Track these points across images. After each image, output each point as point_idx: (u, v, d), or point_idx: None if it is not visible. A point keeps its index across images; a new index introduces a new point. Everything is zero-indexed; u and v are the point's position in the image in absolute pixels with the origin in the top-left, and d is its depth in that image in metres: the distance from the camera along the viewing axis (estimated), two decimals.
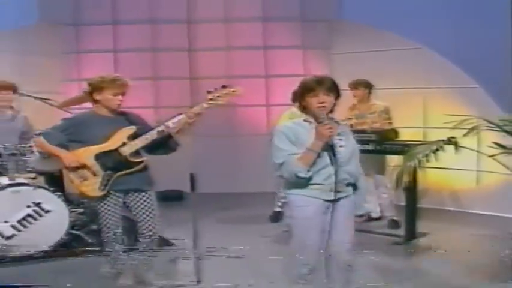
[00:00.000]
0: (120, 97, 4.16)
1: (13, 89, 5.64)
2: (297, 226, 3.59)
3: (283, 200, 6.41)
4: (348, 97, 6.27)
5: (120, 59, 8.17)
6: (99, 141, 4.15)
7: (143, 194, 4.27)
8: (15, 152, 5.27)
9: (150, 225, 4.30)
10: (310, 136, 3.44)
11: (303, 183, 3.49)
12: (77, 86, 7.78)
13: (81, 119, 4.28)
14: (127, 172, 4.17)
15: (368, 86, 6.33)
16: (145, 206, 4.28)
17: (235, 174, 8.09)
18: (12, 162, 5.25)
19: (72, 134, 4.17)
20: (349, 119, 6.32)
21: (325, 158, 3.43)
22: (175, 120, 4.13)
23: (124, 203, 4.30)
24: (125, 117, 4.27)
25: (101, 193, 4.17)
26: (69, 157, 4.13)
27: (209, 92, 4.17)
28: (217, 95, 4.16)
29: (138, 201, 4.28)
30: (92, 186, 4.16)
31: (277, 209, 6.57)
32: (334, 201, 3.50)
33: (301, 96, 3.54)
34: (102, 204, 4.22)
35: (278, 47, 8.23)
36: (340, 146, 3.47)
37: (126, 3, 8.20)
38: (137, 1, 8.23)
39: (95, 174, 4.15)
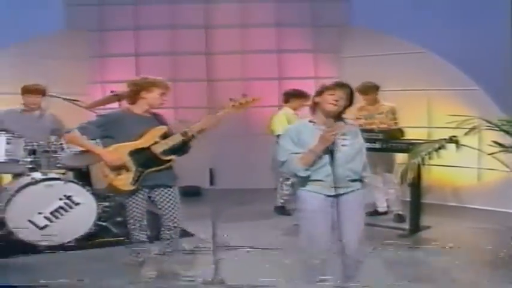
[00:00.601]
0: (164, 97, 4.43)
1: (43, 92, 5.94)
2: (303, 219, 3.81)
3: (285, 198, 6.71)
4: (358, 97, 6.32)
5: (141, 63, 8.33)
6: (132, 139, 4.34)
7: (168, 189, 4.48)
8: (47, 149, 5.53)
9: (174, 217, 4.51)
10: (312, 136, 3.65)
11: (307, 179, 3.69)
12: (100, 88, 8.12)
13: (116, 116, 4.46)
14: (157, 169, 4.36)
15: (376, 89, 6.49)
16: (170, 200, 4.49)
17: (249, 171, 8.21)
18: (44, 159, 5.52)
19: (107, 130, 4.34)
20: (358, 118, 6.45)
21: (326, 157, 3.63)
22: (199, 124, 4.40)
23: (149, 197, 4.47)
24: (154, 117, 4.49)
25: (132, 188, 4.35)
26: (109, 155, 4.30)
27: (231, 100, 4.45)
28: (239, 102, 4.45)
29: (163, 196, 4.47)
30: (124, 181, 4.32)
31: (279, 204, 6.82)
32: (337, 196, 3.67)
33: (318, 93, 3.74)
34: (131, 198, 4.40)
35: (290, 51, 8.40)
36: (343, 145, 3.66)
37: (147, 10, 8.36)
38: (157, 8, 8.35)
39: (127, 170, 4.32)
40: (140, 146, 4.36)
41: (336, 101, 3.67)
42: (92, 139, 4.42)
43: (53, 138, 5.72)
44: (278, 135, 6.40)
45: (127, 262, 4.66)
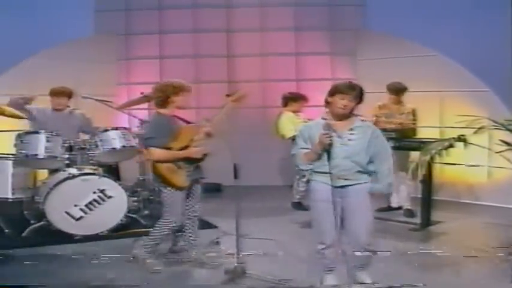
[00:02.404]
0: (188, 99, 4.70)
1: (69, 94, 6.21)
2: (314, 207, 4.09)
3: (301, 194, 6.81)
4: (374, 98, 6.52)
5: (165, 65, 8.56)
6: (170, 139, 4.58)
7: (198, 183, 4.81)
8: (83, 146, 5.83)
9: (197, 208, 4.82)
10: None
11: (317, 171, 3.98)
12: (127, 89, 8.43)
13: (160, 120, 4.66)
14: (197, 165, 4.67)
15: (404, 90, 6.63)
16: (197, 192, 4.82)
17: (267, 168, 8.39)
18: (79, 156, 5.82)
19: (163, 134, 4.58)
20: (378, 117, 6.61)
21: (332, 152, 3.88)
22: (216, 123, 4.77)
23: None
24: (177, 118, 4.74)
25: (187, 183, 4.62)
26: (195, 151, 4.61)
27: (228, 96, 4.94)
28: (235, 97, 4.90)
29: (194, 189, 4.77)
30: (179, 178, 4.57)
31: (296, 200, 6.94)
32: (344, 187, 3.93)
33: (331, 94, 4.00)
34: (177, 193, 4.60)
35: (308, 53, 8.58)
36: (349, 140, 3.92)
37: (171, 15, 8.61)
38: (181, 13, 8.60)
39: (179, 168, 4.57)
40: (183, 145, 4.62)
41: (345, 106, 3.96)
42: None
43: (86, 136, 6.03)
44: (291, 138, 6.73)
45: (137, 255, 4.81)
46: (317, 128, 4.01)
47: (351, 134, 3.98)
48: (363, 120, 4.09)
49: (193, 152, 4.63)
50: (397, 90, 6.62)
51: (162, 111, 4.69)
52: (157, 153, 4.56)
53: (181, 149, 4.62)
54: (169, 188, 4.61)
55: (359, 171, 3.98)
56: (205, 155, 4.69)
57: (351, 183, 3.97)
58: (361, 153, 3.97)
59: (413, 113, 6.65)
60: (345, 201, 3.98)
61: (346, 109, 3.96)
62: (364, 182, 4.00)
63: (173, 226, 4.72)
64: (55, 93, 6.17)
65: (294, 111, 6.96)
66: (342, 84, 4.02)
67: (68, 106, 6.28)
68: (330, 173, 3.89)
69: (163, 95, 4.64)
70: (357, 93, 3.98)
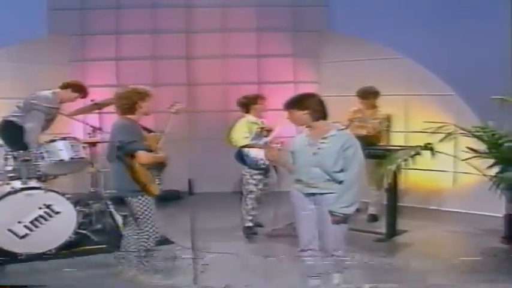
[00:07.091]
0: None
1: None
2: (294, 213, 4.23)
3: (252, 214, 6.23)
4: (337, 101, 6.42)
5: (122, 67, 8.30)
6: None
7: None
8: (27, 158, 5.44)
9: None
10: None
11: (295, 178, 4.11)
12: None
13: (134, 124, 4.55)
14: (162, 172, 4.63)
15: (376, 94, 6.50)
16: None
17: (228, 174, 7.95)
18: (24, 168, 5.41)
19: (142, 138, 4.54)
20: (351, 121, 6.41)
21: (303, 159, 4.02)
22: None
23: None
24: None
25: (159, 191, 4.58)
26: (164, 156, 4.62)
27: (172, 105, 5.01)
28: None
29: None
30: (155, 186, 4.54)
31: (247, 224, 6.16)
32: (315, 195, 4.01)
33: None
34: (151, 203, 4.55)
35: (270, 55, 8.43)
36: (319, 149, 3.96)
37: (128, 15, 8.35)
38: (139, 13, 8.37)
39: (153, 176, 4.53)
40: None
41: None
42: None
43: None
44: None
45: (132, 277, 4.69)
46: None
47: (322, 142, 4.02)
48: (340, 129, 4.12)
49: (164, 157, 4.63)
50: (364, 94, 6.49)
51: (132, 117, 4.57)
52: (146, 156, 4.46)
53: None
54: (145, 196, 4.51)
55: (329, 180, 3.99)
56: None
57: (321, 192, 4.00)
58: (329, 162, 3.97)
59: (388, 119, 6.56)
60: (318, 208, 4.05)
61: (296, 123, 4.15)
62: (334, 191, 4.00)
63: (154, 238, 4.65)
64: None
65: (257, 115, 6.19)
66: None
67: None
68: (300, 180, 4.06)
69: (130, 102, 4.53)
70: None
